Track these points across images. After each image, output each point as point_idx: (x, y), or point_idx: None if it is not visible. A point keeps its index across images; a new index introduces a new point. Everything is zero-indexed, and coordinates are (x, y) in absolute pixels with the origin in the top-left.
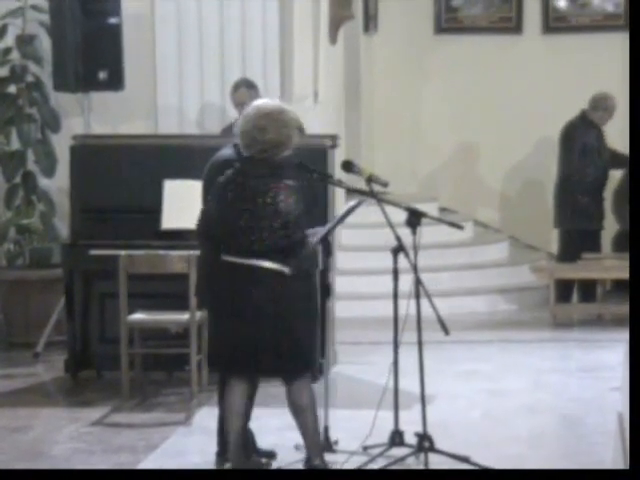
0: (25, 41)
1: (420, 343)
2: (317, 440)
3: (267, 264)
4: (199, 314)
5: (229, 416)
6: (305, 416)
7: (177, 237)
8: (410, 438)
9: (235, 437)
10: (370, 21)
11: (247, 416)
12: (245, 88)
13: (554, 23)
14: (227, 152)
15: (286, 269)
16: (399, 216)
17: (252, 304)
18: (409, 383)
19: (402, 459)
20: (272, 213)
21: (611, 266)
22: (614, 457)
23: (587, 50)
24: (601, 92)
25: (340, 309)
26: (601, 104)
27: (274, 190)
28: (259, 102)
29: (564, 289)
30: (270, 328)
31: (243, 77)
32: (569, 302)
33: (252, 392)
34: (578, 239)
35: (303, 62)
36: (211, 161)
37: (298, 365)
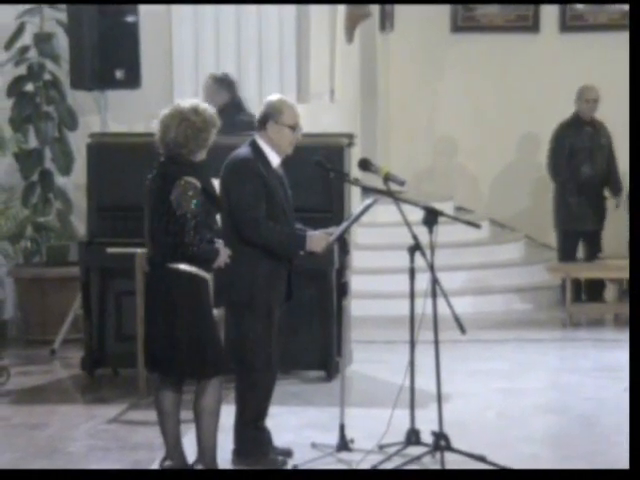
0: (42, 39)
1: (436, 342)
2: (210, 447)
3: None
4: (216, 312)
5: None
6: (201, 419)
7: None
8: (426, 437)
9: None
10: (386, 19)
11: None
12: (211, 80)
13: (571, 22)
14: (244, 151)
15: (183, 266)
16: (416, 215)
17: (147, 304)
18: (425, 382)
19: (418, 458)
20: (165, 210)
21: (626, 266)
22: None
23: (604, 49)
24: (585, 84)
25: (356, 308)
26: (579, 95)
27: (169, 187)
28: (182, 102)
29: (572, 289)
30: (164, 328)
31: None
32: (579, 302)
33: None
34: (570, 240)
35: (319, 60)
36: (228, 160)
37: (198, 367)
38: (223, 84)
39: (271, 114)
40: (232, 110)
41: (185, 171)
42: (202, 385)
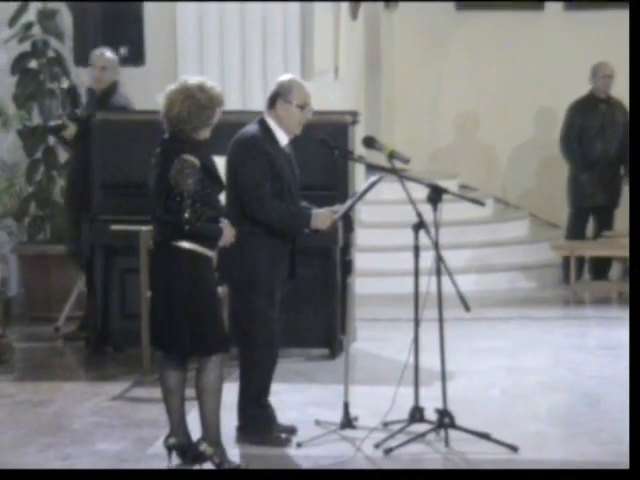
0: (46, 16)
1: (441, 320)
2: (213, 425)
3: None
4: (220, 289)
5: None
6: (203, 397)
7: None
8: (430, 414)
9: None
10: None
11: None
12: (112, 56)
13: None
14: (252, 129)
15: (186, 244)
16: (420, 192)
17: (151, 281)
18: (429, 360)
19: (422, 435)
20: (164, 188)
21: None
22: None
23: (609, 26)
24: (600, 61)
25: (360, 286)
26: (594, 72)
27: (168, 164)
28: (190, 78)
29: (576, 267)
30: (164, 306)
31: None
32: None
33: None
34: (580, 217)
35: (324, 38)
36: (235, 138)
37: (197, 345)
38: (117, 62)
39: (281, 93)
40: (120, 88)
41: (185, 149)
42: (203, 362)
